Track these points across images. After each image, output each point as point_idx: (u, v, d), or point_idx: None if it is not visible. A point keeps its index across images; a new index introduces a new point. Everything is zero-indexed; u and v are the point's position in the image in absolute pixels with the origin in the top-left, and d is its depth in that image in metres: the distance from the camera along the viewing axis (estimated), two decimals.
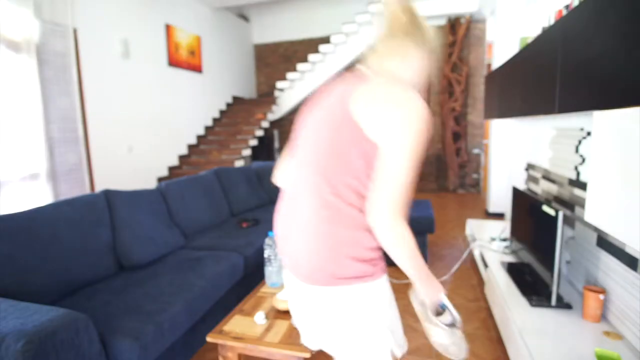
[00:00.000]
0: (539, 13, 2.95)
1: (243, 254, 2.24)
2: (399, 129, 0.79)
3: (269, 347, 1.32)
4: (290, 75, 6.46)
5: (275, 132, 6.94)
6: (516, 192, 2.38)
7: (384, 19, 0.93)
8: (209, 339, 1.38)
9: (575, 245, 1.96)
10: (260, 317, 1.48)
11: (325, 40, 6.49)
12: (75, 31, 3.61)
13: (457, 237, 3.68)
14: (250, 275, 2.29)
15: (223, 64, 6.35)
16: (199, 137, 5.76)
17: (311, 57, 6.28)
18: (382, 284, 0.91)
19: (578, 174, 1.93)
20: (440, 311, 0.96)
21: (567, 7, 1.69)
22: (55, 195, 3.30)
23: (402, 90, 0.83)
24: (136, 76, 4.48)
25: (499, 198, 4.43)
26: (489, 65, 5.60)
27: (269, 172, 3.72)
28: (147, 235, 2.10)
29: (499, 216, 4.34)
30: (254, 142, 5.81)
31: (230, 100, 6.61)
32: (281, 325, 1.44)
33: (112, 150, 4.09)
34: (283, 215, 0.99)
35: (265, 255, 1.83)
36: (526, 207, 2.16)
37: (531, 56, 2.00)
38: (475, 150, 6.10)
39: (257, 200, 3.40)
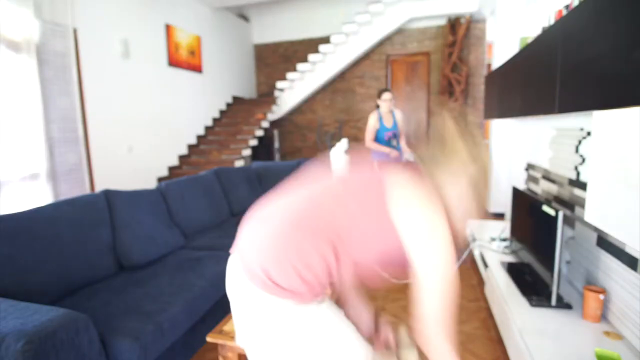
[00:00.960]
0: (539, 13, 2.95)
1: None
2: (431, 256, 0.84)
3: None
4: (290, 75, 6.47)
5: (275, 132, 6.94)
6: (516, 192, 2.38)
7: (443, 135, 0.94)
8: (209, 339, 1.38)
9: (575, 245, 1.96)
10: None
11: (325, 40, 6.49)
12: (75, 31, 3.61)
13: (457, 237, 3.67)
14: None
15: (223, 64, 6.35)
16: (199, 137, 5.76)
17: (311, 57, 6.28)
18: (313, 310, 0.89)
19: (578, 174, 1.93)
20: None
21: (567, 7, 1.69)
22: (55, 195, 3.30)
23: (436, 212, 0.85)
24: (136, 76, 4.48)
25: (499, 198, 4.43)
26: (489, 65, 5.60)
27: (269, 172, 3.72)
28: (147, 235, 2.10)
29: (499, 216, 4.34)
30: (254, 142, 5.81)
31: (230, 100, 6.61)
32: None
33: (112, 150, 4.09)
34: (254, 218, 1.00)
35: None
36: (526, 207, 2.16)
37: (531, 56, 2.00)
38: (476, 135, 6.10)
39: (257, 201, 3.39)
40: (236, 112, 6.35)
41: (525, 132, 3.00)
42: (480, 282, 2.62)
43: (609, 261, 1.62)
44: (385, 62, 6.44)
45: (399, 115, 3.58)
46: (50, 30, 3.34)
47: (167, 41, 4.99)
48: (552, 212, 1.70)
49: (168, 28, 4.99)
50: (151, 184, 4.68)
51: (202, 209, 2.73)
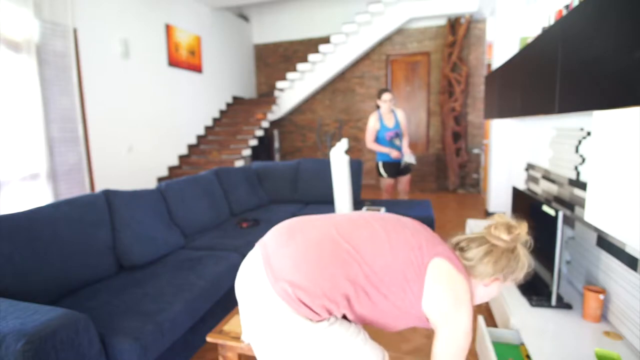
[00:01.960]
0: (539, 13, 2.95)
1: (243, 254, 2.24)
2: (454, 326, 0.91)
3: None
4: (290, 75, 6.46)
5: (275, 132, 6.94)
6: (516, 192, 2.38)
7: (496, 245, 1.00)
8: (209, 339, 1.38)
9: (575, 245, 1.96)
10: None
11: (325, 40, 6.49)
12: (75, 31, 3.61)
13: None
14: None
15: (223, 64, 6.35)
16: (199, 137, 5.76)
17: (311, 57, 6.28)
18: (324, 326, 0.91)
19: (578, 174, 1.93)
20: None
21: (567, 7, 1.69)
22: (55, 195, 3.30)
23: (466, 294, 0.93)
24: (136, 76, 4.48)
25: (499, 198, 4.43)
26: (489, 65, 5.60)
27: (269, 172, 3.72)
28: (147, 235, 2.10)
29: None
30: (254, 142, 5.81)
31: (230, 100, 6.61)
32: None
33: (112, 150, 4.09)
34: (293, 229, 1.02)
35: None
36: (526, 207, 2.16)
37: (531, 56, 2.00)
38: (475, 150, 6.10)
39: (257, 200, 3.39)
40: (236, 112, 6.35)
41: (525, 132, 3.00)
42: None
43: (609, 261, 1.62)
44: (385, 62, 6.44)
45: (400, 114, 3.55)
46: (50, 30, 3.34)
47: (167, 41, 4.99)
48: (552, 212, 1.70)
49: (168, 28, 4.99)
50: (151, 184, 4.68)
51: (202, 209, 2.73)
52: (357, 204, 3.22)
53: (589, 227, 1.79)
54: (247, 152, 5.58)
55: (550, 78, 1.61)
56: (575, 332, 1.53)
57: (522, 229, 1.01)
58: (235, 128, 5.93)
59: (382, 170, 3.59)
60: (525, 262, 1.00)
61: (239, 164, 5.30)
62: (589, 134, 1.81)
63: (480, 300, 1.04)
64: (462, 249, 1.01)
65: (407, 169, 3.60)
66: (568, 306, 1.70)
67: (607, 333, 1.50)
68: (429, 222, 2.88)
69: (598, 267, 1.71)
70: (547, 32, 1.73)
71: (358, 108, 6.71)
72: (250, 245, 2.35)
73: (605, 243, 1.65)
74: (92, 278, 1.80)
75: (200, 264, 2.00)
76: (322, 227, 0.98)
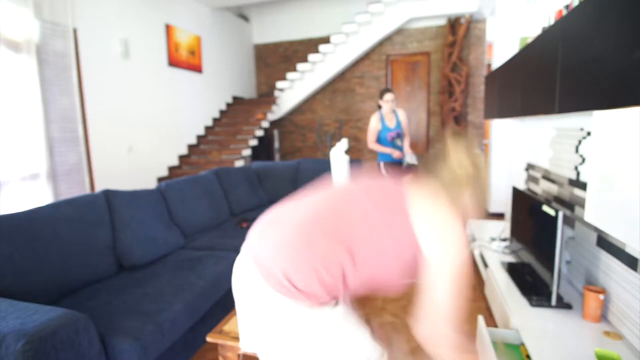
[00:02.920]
0: (539, 13, 2.94)
1: None
2: (449, 259, 0.88)
3: None
4: (290, 75, 6.46)
5: (275, 132, 6.94)
6: (516, 192, 2.38)
7: (449, 164, 0.98)
8: (209, 339, 1.38)
9: (575, 245, 1.96)
10: None
11: (325, 40, 6.49)
12: (75, 31, 3.61)
13: None
14: None
15: (223, 64, 6.34)
16: (199, 137, 5.76)
17: (311, 57, 6.28)
18: (327, 314, 0.90)
19: (578, 174, 1.93)
20: None
21: (567, 7, 1.69)
22: (55, 195, 3.30)
23: (454, 219, 0.91)
24: (136, 76, 4.48)
25: (499, 198, 4.43)
26: (489, 65, 5.60)
27: (269, 172, 3.71)
28: (147, 235, 2.10)
29: (499, 216, 4.34)
30: (254, 142, 5.81)
31: (230, 100, 6.61)
32: None
33: (112, 150, 4.09)
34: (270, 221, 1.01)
35: None
36: (526, 207, 2.16)
37: (531, 56, 2.00)
38: (475, 151, 6.09)
39: (257, 200, 3.39)
40: (236, 112, 6.35)
41: (525, 132, 3.00)
42: (480, 282, 2.62)
43: (609, 261, 1.62)
44: (385, 62, 6.44)
45: (402, 115, 3.55)
46: (50, 30, 3.34)
47: (167, 41, 4.99)
48: (552, 212, 1.70)
49: (168, 28, 4.99)
50: (151, 184, 4.68)
51: (202, 209, 2.73)
52: None
53: (589, 227, 1.79)
54: (247, 152, 5.58)
55: (550, 78, 1.61)
56: (575, 332, 1.53)
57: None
58: (235, 128, 5.93)
59: (383, 171, 3.60)
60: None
61: (239, 164, 5.30)
62: (589, 134, 1.81)
63: (467, 213, 0.99)
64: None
65: (410, 169, 3.60)
66: (568, 306, 1.70)
67: (607, 333, 1.50)
68: None
69: (598, 267, 1.71)
70: (547, 32, 1.73)
71: (358, 108, 6.71)
72: None
73: (605, 243, 1.65)
74: (92, 278, 1.80)
75: (200, 264, 2.00)
76: (303, 208, 0.98)
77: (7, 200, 2.92)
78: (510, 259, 2.36)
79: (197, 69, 5.62)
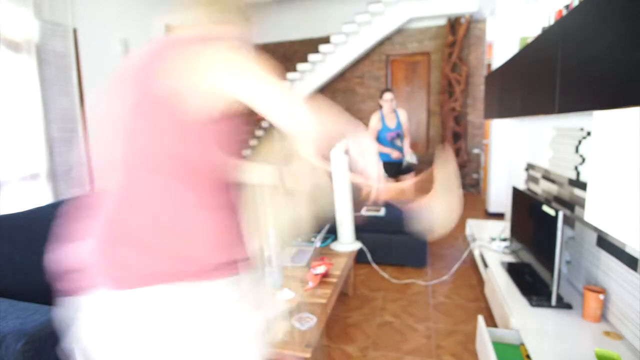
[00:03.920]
0: (539, 13, 2.94)
1: None
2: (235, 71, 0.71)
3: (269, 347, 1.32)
4: (290, 75, 6.46)
5: (275, 132, 6.93)
6: (516, 192, 2.38)
7: None
8: None
9: (575, 245, 1.96)
10: None
11: (325, 40, 6.49)
12: (75, 31, 3.61)
13: (457, 237, 3.68)
14: None
15: None
16: None
17: (311, 57, 6.28)
18: (211, 292, 0.70)
19: (578, 174, 1.93)
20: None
21: (567, 7, 1.69)
22: (55, 195, 3.30)
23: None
24: None
25: (499, 198, 4.43)
26: (489, 65, 5.60)
27: None
28: None
29: (499, 216, 4.34)
30: (254, 142, 5.81)
31: None
32: (281, 325, 1.44)
33: None
34: None
35: (265, 255, 1.83)
36: (526, 207, 2.16)
37: (531, 56, 2.00)
38: (475, 150, 6.10)
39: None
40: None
41: (525, 132, 3.00)
42: (480, 282, 2.62)
43: (609, 261, 1.62)
44: (385, 62, 6.44)
45: (403, 115, 3.56)
46: (50, 30, 3.34)
47: None
48: (552, 212, 1.70)
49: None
50: None
51: None
52: (357, 204, 3.22)
53: (589, 227, 1.79)
54: (247, 152, 5.58)
55: (550, 78, 1.61)
56: (575, 332, 1.53)
57: None
58: None
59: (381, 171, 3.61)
60: None
61: None
62: (589, 134, 1.81)
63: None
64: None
65: (408, 169, 3.61)
66: (568, 306, 1.70)
67: (607, 333, 1.50)
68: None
69: (598, 267, 1.71)
70: (547, 32, 1.73)
71: (358, 108, 6.71)
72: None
73: (605, 243, 1.65)
74: None
75: None
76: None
77: (7, 200, 2.92)
78: (510, 259, 2.36)
79: None
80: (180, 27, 0.83)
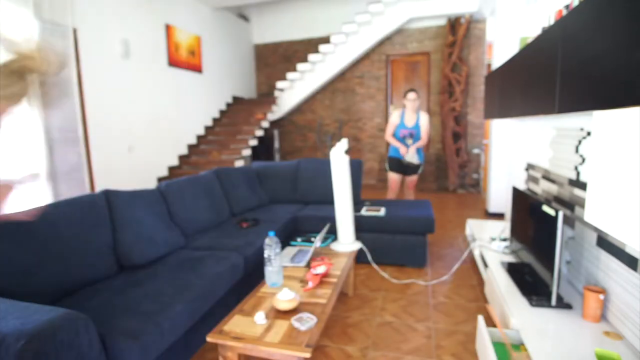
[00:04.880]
0: (539, 13, 2.94)
1: (243, 254, 2.24)
2: None
3: (269, 347, 1.32)
4: (290, 75, 6.46)
5: (275, 132, 6.94)
6: (516, 192, 2.38)
7: None
8: (209, 339, 1.38)
9: (575, 245, 1.96)
10: (260, 317, 1.48)
11: (325, 40, 6.49)
12: (75, 31, 3.61)
13: (457, 237, 3.68)
14: (250, 275, 2.29)
15: (223, 64, 6.34)
16: (199, 137, 5.76)
17: (311, 57, 6.28)
18: None
19: (578, 174, 1.93)
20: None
21: (567, 7, 1.69)
22: (55, 195, 3.30)
23: None
24: (136, 76, 4.48)
25: (499, 198, 4.43)
26: (489, 65, 5.60)
27: (269, 172, 3.72)
28: (147, 235, 2.10)
29: (499, 216, 4.34)
30: (254, 142, 5.81)
31: (230, 100, 6.61)
32: (281, 325, 1.44)
33: (112, 150, 4.09)
34: None
35: (265, 255, 1.83)
36: (526, 207, 2.16)
37: (531, 56, 2.00)
38: (475, 150, 6.10)
39: (257, 200, 3.39)
40: (236, 112, 6.35)
41: (525, 132, 3.00)
42: (480, 282, 2.62)
43: (609, 261, 1.62)
44: (385, 62, 6.44)
45: (423, 118, 3.71)
46: (50, 30, 3.34)
47: (167, 41, 4.99)
48: (552, 212, 1.70)
49: (168, 28, 4.99)
50: (151, 184, 4.68)
51: (202, 209, 2.73)
52: (357, 204, 3.22)
53: (589, 227, 1.79)
54: (247, 152, 5.58)
55: (550, 78, 1.61)
56: (575, 332, 1.53)
57: None
58: (235, 128, 5.93)
59: (386, 163, 3.88)
60: None
61: (239, 164, 5.30)
62: (589, 134, 1.81)
63: None
64: None
65: (414, 169, 3.71)
66: (568, 306, 1.70)
67: (607, 333, 1.50)
68: (429, 222, 2.88)
69: (598, 267, 1.71)
70: (547, 32, 1.73)
71: (358, 108, 6.71)
72: (250, 245, 2.36)
73: (605, 243, 1.65)
74: (92, 278, 1.80)
75: (200, 264, 2.00)
76: None
77: (7, 200, 2.92)
78: (510, 259, 2.36)
79: (197, 69, 5.62)
80: None
